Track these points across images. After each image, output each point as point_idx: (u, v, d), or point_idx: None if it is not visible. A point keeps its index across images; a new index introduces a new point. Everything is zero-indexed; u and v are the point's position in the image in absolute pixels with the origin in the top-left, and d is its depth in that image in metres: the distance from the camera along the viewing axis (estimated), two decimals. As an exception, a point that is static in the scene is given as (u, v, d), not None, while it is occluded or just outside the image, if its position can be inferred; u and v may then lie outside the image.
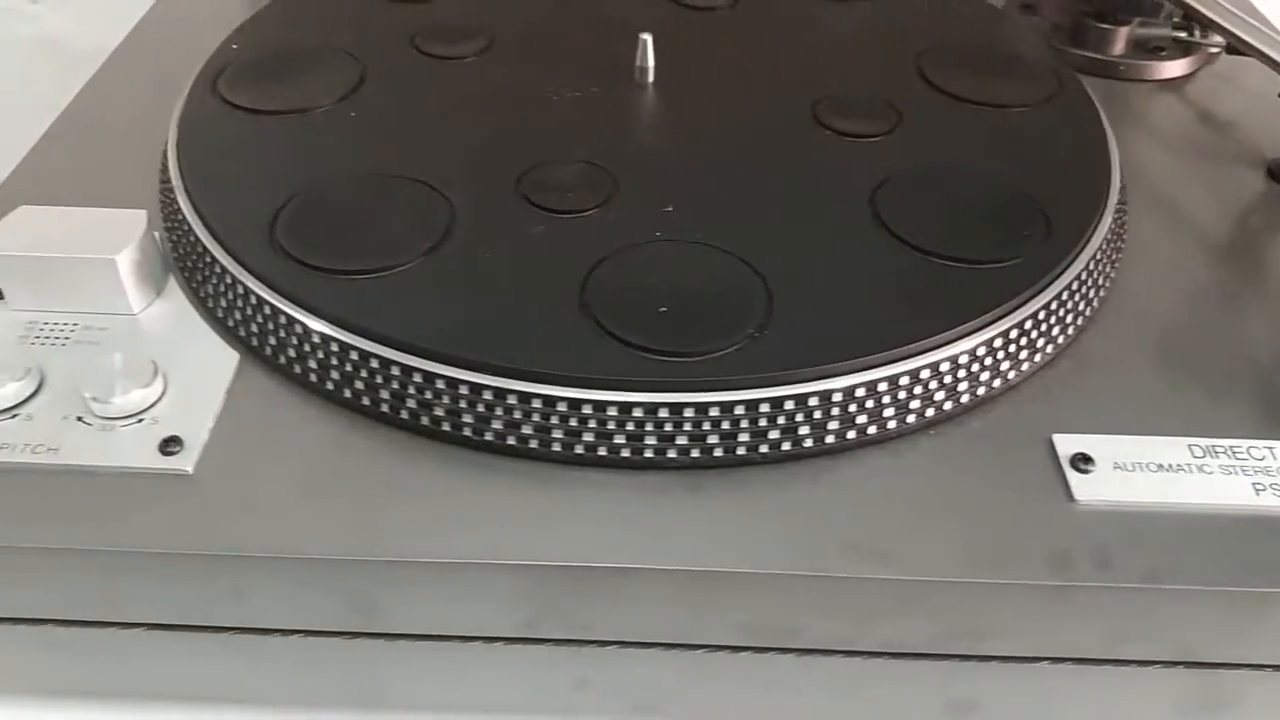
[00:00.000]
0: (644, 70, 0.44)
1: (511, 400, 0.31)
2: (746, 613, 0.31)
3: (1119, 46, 0.51)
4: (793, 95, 0.44)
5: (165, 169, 0.40)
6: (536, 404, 0.31)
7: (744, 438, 0.31)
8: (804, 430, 0.32)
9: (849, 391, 0.32)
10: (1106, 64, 0.51)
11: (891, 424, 0.32)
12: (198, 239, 0.36)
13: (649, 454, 0.31)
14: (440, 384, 0.32)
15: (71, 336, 0.35)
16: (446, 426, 0.32)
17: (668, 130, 0.43)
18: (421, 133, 0.41)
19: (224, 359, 0.34)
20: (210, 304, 0.35)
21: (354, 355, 0.32)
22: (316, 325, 0.33)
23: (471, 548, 0.30)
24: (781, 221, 0.37)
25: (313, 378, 0.33)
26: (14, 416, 0.33)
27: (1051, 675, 0.32)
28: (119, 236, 0.35)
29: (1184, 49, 0.52)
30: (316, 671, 0.33)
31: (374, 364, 0.32)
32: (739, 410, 0.31)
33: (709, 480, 0.32)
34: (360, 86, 0.43)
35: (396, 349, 0.32)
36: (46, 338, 0.35)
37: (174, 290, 0.37)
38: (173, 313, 0.36)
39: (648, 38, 0.44)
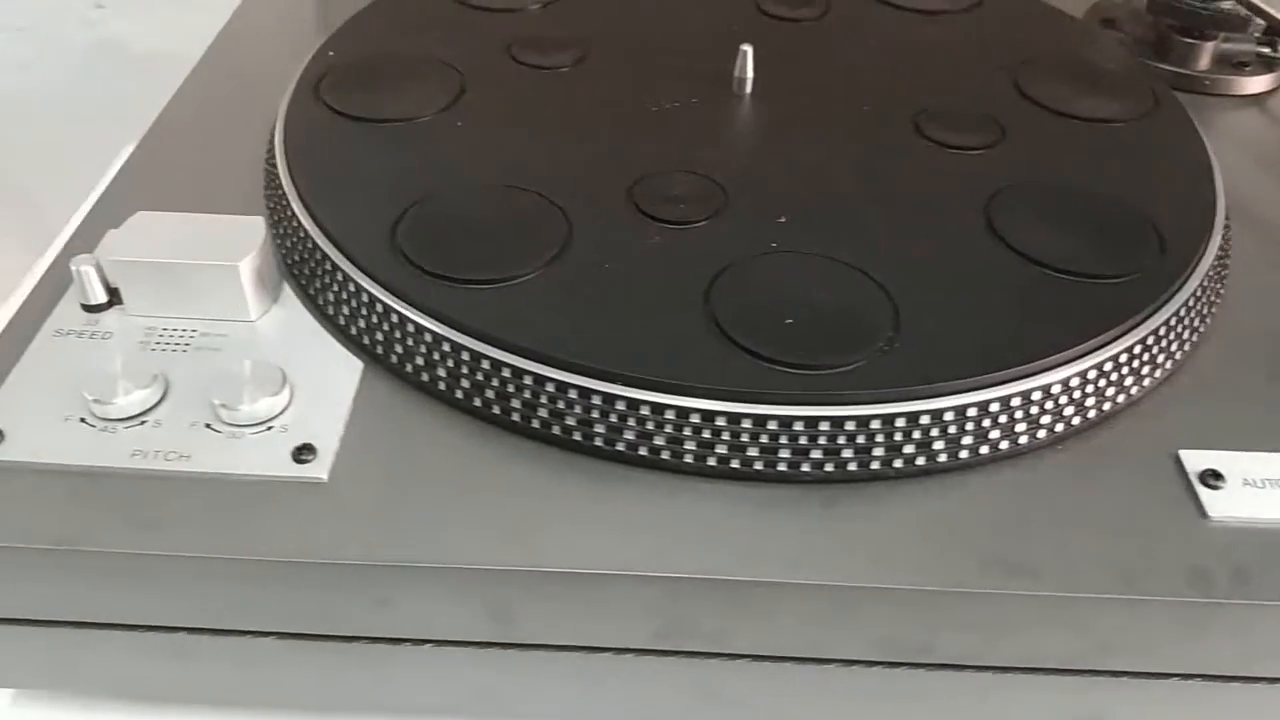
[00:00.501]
0: (742, 81, 0.44)
1: (645, 411, 0.31)
2: (883, 628, 0.31)
3: (1203, 62, 0.51)
4: (891, 107, 0.44)
5: (274, 175, 0.40)
6: (670, 415, 0.31)
7: (879, 452, 0.31)
8: (938, 445, 0.32)
9: (983, 406, 0.32)
10: (1191, 78, 0.51)
11: (1023, 439, 0.32)
12: (316, 246, 0.36)
13: (782, 467, 0.31)
14: (573, 394, 0.32)
15: (191, 343, 0.35)
16: (577, 436, 0.32)
17: (771, 141, 0.43)
18: (528, 143, 0.41)
19: (348, 366, 0.34)
20: (331, 312, 0.35)
21: (485, 364, 0.32)
22: (449, 334, 0.33)
23: (607, 558, 0.30)
24: (897, 234, 0.37)
25: (441, 386, 0.33)
26: (142, 423, 0.33)
27: (1181, 691, 0.32)
28: (239, 243, 0.35)
29: (1267, 64, 0.52)
30: (445, 681, 0.33)
31: (506, 373, 0.32)
32: (875, 424, 0.31)
33: (843, 494, 0.32)
34: (462, 96, 0.43)
35: (531, 359, 0.32)
36: (166, 344, 0.35)
37: (289, 297, 0.37)
38: (290, 320, 0.36)
39: (748, 48, 0.44)
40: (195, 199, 0.40)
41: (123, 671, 0.33)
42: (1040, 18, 0.53)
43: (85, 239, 0.39)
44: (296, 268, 0.37)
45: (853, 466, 0.31)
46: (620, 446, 0.32)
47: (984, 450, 0.32)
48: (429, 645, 0.32)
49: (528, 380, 0.32)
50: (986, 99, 0.45)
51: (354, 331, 0.35)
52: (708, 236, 0.37)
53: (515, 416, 0.32)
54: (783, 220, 0.38)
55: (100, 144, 0.68)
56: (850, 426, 0.31)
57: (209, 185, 0.42)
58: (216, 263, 0.35)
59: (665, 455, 0.32)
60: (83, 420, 0.33)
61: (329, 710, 0.35)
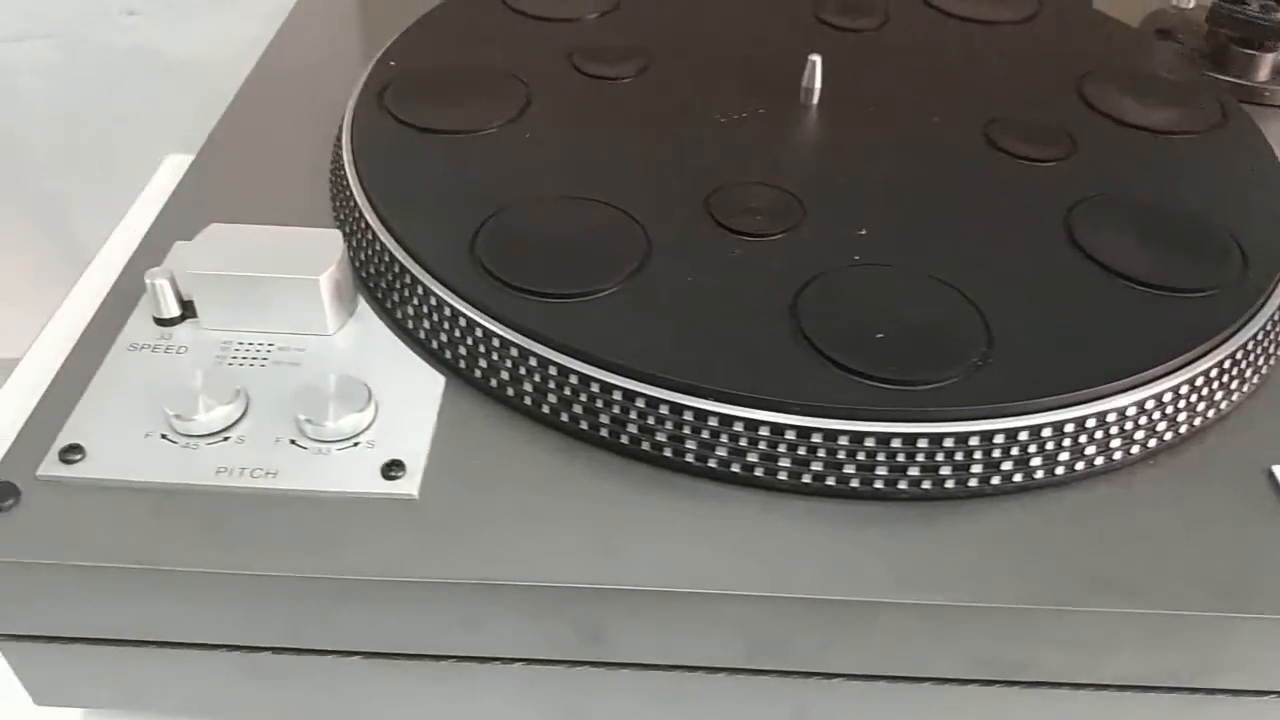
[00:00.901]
0: (810, 91, 0.44)
1: (738, 427, 0.31)
2: (981, 646, 0.30)
3: (1263, 73, 0.51)
4: (959, 117, 0.44)
5: (343, 187, 0.39)
6: (764, 431, 0.31)
7: (977, 469, 0.31)
8: (1036, 461, 0.31)
9: (1080, 422, 0.31)
10: (1250, 89, 0.51)
11: (1117, 455, 0.32)
12: (395, 259, 0.36)
13: (879, 485, 0.31)
14: (664, 409, 0.31)
15: (269, 357, 0.35)
16: (668, 452, 0.32)
17: (842, 152, 0.42)
18: (599, 155, 0.41)
19: (430, 381, 0.34)
20: (410, 326, 0.35)
21: (574, 379, 0.32)
22: (536, 349, 0.32)
23: (698, 576, 0.29)
24: (979, 246, 0.37)
25: (526, 401, 0.33)
26: (225, 439, 0.32)
27: (1277, 708, 0.32)
28: (318, 256, 0.35)
29: (1325, 75, 0.52)
30: (533, 700, 0.32)
31: (595, 388, 0.32)
32: (974, 441, 0.31)
33: (940, 511, 0.31)
34: (528, 107, 0.43)
35: (622, 374, 0.31)
36: (243, 358, 0.35)
37: (365, 311, 0.36)
38: (367, 334, 0.36)
39: (817, 59, 0.44)
40: (255, 210, 0.39)
41: (202, 691, 0.33)
42: (1097, 28, 0.52)
43: (150, 252, 0.39)
44: (372, 281, 0.37)
45: (950, 484, 0.31)
46: (712, 463, 0.31)
47: (1079, 466, 0.32)
48: (518, 664, 0.31)
49: (617, 395, 0.32)
50: (1053, 110, 0.45)
51: (435, 346, 0.34)
52: (788, 249, 0.37)
53: (604, 432, 0.32)
54: (863, 232, 0.37)
55: (134, 151, 0.68)
56: (949, 444, 0.31)
57: (268, 196, 0.42)
58: (296, 276, 0.34)
59: (759, 472, 0.31)
60: (164, 436, 0.32)
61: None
